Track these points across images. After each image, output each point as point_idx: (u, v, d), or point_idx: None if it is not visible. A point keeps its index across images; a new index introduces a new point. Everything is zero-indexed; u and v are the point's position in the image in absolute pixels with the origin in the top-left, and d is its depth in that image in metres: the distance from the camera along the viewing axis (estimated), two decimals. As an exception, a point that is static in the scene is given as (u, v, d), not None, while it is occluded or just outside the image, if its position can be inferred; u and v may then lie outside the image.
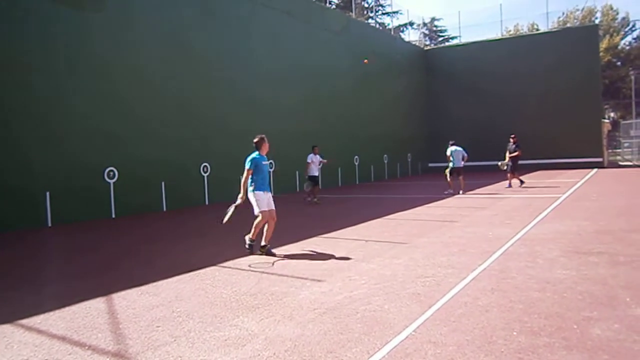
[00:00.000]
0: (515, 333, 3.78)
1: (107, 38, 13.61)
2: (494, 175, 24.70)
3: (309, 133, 21.15)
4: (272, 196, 7.84)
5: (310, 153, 15.43)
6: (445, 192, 16.24)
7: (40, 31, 12.15)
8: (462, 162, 16.40)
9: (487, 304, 4.52)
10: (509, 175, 17.71)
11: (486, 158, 30.47)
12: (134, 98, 14.24)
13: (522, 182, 17.56)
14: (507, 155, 17.68)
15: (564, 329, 3.81)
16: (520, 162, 18.06)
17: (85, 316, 4.69)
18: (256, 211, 7.44)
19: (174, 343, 3.91)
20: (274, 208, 7.62)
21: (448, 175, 16.64)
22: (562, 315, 4.11)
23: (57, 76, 12.46)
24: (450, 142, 16.88)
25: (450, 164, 16.49)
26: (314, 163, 15.26)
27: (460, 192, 16.07)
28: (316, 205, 14.69)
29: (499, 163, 18.22)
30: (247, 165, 7.45)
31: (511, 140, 17.90)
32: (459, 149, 16.51)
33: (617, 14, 50.26)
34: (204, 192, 16.26)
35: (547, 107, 29.34)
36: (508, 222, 9.41)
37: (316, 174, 15.35)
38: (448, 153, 16.55)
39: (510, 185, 17.65)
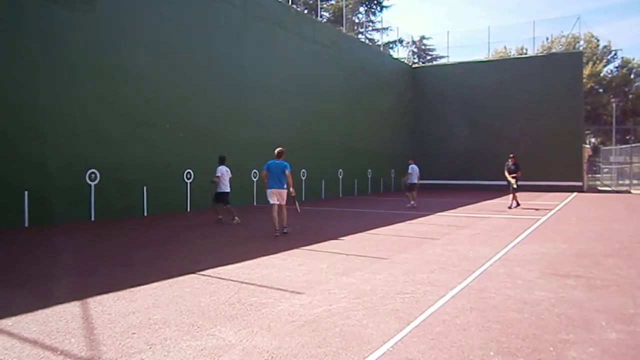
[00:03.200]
0: (492, 353, 3.79)
1: (96, 39, 13.52)
2: (477, 194, 24.94)
3: (295, 144, 21.17)
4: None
5: (221, 165, 12.89)
6: (408, 205, 17.73)
7: (26, 28, 12.02)
8: (417, 180, 18.40)
9: (465, 322, 4.53)
10: (514, 195, 17.64)
11: (470, 177, 30.84)
12: (120, 100, 14.14)
13: (518, 204, 17.60)
14: (507, 175, 17.83)
15: (540, 351, 3.84)
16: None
17: (58, 320, 4.59)
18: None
19: (149, 351, 3.85)
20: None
21: (407, 190, 18.56)
22: (539, 337, 4.14)
23: (40, 74, 12.32)
24: (410, 160, 19.02)
25: (409, 180, 18.35)
26: (224, 177, 12.73)
27: (413, 203, 17.71)
28: (222, 224, 12.52)
29: (512, 182, 17.80)
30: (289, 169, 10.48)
31: (510, 160, 18.10)
32: (416, 167, 18.58)
33: (599, 42, 51.48)
34: (187, 199, 16.13)
35: (530, 129, 29.79)
36: (489, 242, 9.48)
37: (227, 190, 12.75)
38: (410, 170, 18.46)
39: (517, 204, 17.45)
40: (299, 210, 11.38)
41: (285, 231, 10.58)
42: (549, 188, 28.57)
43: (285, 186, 10.55)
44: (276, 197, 10.48)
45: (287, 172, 10.51)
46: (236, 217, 12.55)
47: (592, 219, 14.01)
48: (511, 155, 18.40)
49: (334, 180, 24.47)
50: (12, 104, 11.75)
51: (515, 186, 17.74)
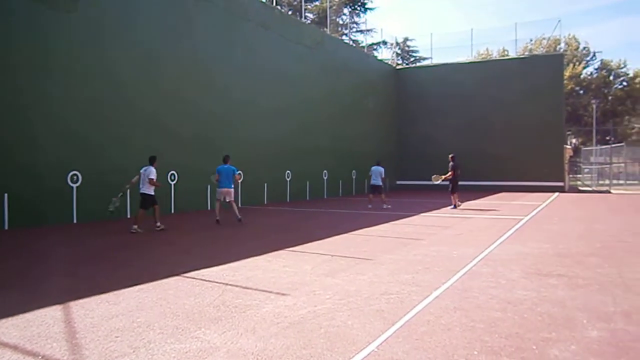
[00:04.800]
0: (476, 352, 3.83)
1: (79, 40, 13.36)
2: (461, 194, 25.10)
3: (279, 145, 21.18)
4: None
5: (147, 166, 11.68)
6: (369, 206, 18.00)
7: (17, 30, 11.84)
8: (380, 180, 18.04)
9: (449, 322, 4.56)
10: (451, 196, 17.95)
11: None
12: (103, 102, 13.97)
13: (454, 206, 17.62)
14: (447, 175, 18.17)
15: (523, 349, 3.88)
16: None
17: (40, 324, 4.52)
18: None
19: (132, 354, 3.81)
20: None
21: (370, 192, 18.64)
22: (522, 336, 4.18)
23: (22, 75, 12.14)
24: (376, 162, 18.70)
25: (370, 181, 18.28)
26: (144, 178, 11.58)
27: (386, 206, 17.69)
28: (138, 233, 11.16)
29: (436, 181, 18.77)
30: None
31: (449, 159, 18.35)
32: (380, 168, 18.16)
33: (579, 44, 52.29)
34: (171, 201, 16.00)
35: (513, 130, 30.13)
36: (472, 242, 9.56)
37: (149, 192, 11.55)
38: (370, 172, 18.31)
39: (454, 207, 17.65)
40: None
41: (240, 219, 12.75)
42: (531, 188, 28.91)
43: (233, 185, 12.96)
44: (224, 195, 12.92)
45: (236, 174, 12.95)
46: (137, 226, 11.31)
47: (573, 219, 14.21)
48: (450, 155, 18.68)
49: (319, 181, 24.48)
50: (-8, 105, 11.56)
51: (435, 182, 18.64)
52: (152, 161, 11.72)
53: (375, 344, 3.99)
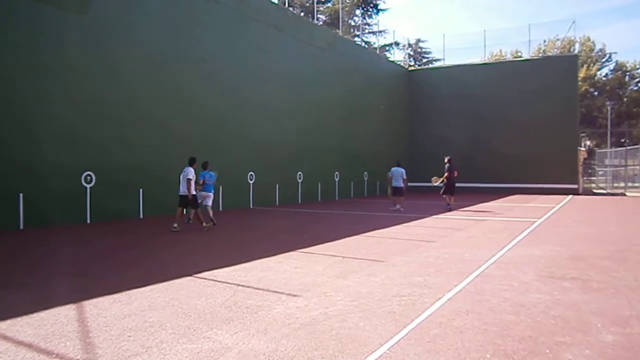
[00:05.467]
0: (488, 356, 3.80)
1: (90, 41, 13.49)
2: (474, 196, 24.99)
3: (291, 146, 21.22)
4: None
5: (188, 167, 11.92)
6: (392, 209, 17.47)
7: (21, 30, 11.99)
8: (402, 183, 17.69)
9: (461, 325, 4.53)
10: (450, 197, 18.13)
11: (467, 180, 30.84)
12: (116, 103, 14.11)
13: (447, 204, 17.93)
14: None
15: (536, 353, 3.84)
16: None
17: (54, 323, 4.57)
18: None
19: (145, 354, 3.83)
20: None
21: (391, 194, 18.06)
22: (535, 339, 4.14)
23: (38, 76, 12.29)
24: (396, 163, 18.45)
25: (392, 184, 17.81)
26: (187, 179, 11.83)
27: (399, 207, 17.35)
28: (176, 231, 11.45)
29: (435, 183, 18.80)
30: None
31: (446, 161, 18.48)
32: (402, 169, 17.85)
33: (594, 45, 51.77)
34: (182, 201, 16.07)
35: (526, 132, 29.90)
36: (485, 245, 9.50)
37: (188, 193, 11.77)
38: (390, 174, 17.94)
39: (448, 205, 17.90)
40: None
41: (204, 226, 11.86)
42: (544, 190, 28.67)
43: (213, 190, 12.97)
44: (204, 198, 12.72)
45: (214, 181, 12.84)
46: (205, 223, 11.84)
47: (587, 222, 14.06)
48: (447, 158, 18.71)
49: (331, 183, 24.48)
50: (5, 107, 11.69)
51: (435, 184, 18.57)
52: (191, 162, 11.91)
53: (387, 346, 3.97)
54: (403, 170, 17.92)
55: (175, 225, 11.47)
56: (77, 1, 13.18)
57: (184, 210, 12.22)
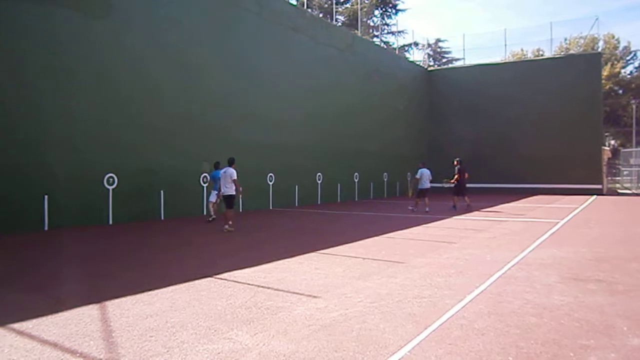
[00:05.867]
0: (511, 358, 3.75)
1: (111, 44, 13.70)
2: (494, 197, 24.73)
3: (310, 147, 21.24)
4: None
5: (227, 166, 12.14)
6: (409, 208, 17.68)
7: (44, 34, 12.22)
8: (429, 184, 17.72)
9: (483, 327, 4.48)
10: (462, 198, 18.52)
11: (487, 180, 30.55)
12: (139, 105, 14.32)
13: (454, 206, 18.34)
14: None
15: (560, 356, 3.78)
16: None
17: (77, 323, 4.65)
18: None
19: (166, 354, 3.87)
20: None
21: (415, 195, 18.16)
22: (558, 342, 4.08)
23: (60, 80, 12.51)
24: (420, 164, 18.36)
25: (419, 185, 17.74)
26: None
27: (427, 209, 17.23)
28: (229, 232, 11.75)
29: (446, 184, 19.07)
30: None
31: (455, 163, 18.96)
32: (427, 171, 17.84)
33: (619, 42, 50.77)
34: (203, 203, 16.23)
35: (548, 132, 29.49)
36: (506, 246, 9.38)
37: (232, 192, 11.96)
38: (418, 175, 17.80)
39: (454, 206, 18.25)
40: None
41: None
42: (568, 191, 28.25)
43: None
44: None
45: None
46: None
47: (612, 223, 13.79)
48: (456, 160, 19.22)
49: (350, 183, 24.44)
50: (30, 111, 11.93)
51: (446, 186, 18.80)
52: (231, 163, 12.15)
53: (408, 348, 3.95)
54: (429, 172, 17.98)
55: (228, 225, 11.83)
56: (100, 6, 13.38)
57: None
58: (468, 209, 17.45)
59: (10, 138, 11.51)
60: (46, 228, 12.04)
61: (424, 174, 17.73)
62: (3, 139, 11.38)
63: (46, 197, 12.03)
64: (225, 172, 12.01)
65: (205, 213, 16.13)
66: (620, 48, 50.79)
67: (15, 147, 11.58)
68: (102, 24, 13.42)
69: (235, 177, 11.85)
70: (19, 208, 11.58)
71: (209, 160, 16.17)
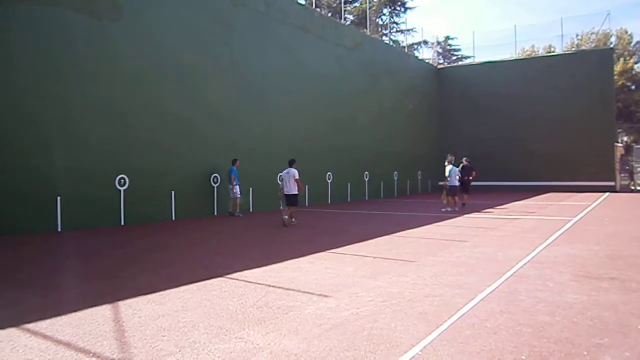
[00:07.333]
0: (524, 357, 3.72)
1: (124, 47, 13.78)
2: (505, 195, 24.57)
3: (320, 146, 21.22)
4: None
5: (288, 168, 13.12)
6: (443, 210, 17.11)
7: (56, 37, 12.33)
8: (458, 181, 17.32)
9: (495, 326, 4.46)
10: (465, 197, 18.44)
11: (498, 178, 30.37)
12: (149, 107, 14.37)
13: (463, 204, 18.27)
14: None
15: (574, 355, 3.75)
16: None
17: (91, 323, 4.69)
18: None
19: (179, 354, 3.90)
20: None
21: (446, 194, 17.74)
22: (572, 341, 4.05)
23: (71, 83, 12.60)
24: (448, 161, 17.64)
25: (449, 183, 17.29)
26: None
27: (464, 204, 17.47)
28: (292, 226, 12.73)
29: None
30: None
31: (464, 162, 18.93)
32: (456, 168, 17.37)
33: (632, 38, 50.18)
34: (214, 203, 16.30)
35: (560, 129, 29.22)
36: (518, 244, 9.32)
37: (295, 192, 12.94)
38: (447, 174, 17.23)
39: (456, 204, 17.75)
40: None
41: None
42: (580, 188, 27.97)
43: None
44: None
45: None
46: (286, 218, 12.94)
47: (625, 220, 13.65)
48: (464, 158, 19.26)
49: (360, 183, 24.40)
50: (44, 113, 12.05)
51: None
52: (291, 163, 13.02)
53: (420, 347, 3.94)
54: (457, 169, 17.59)
55: (293, 219, 12.91)
56: (111, 10, 13.47)
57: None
58: (463, 209, 17.36)
59: (23, 140, 11.61)
60: (59, 229, 12.15)
61: (453, 172, 17.20)
62: (16, 141, 11.49)
63: (59, 198, 12.14)
64: (288, 172, 12.86)
65: (216, 213, 16.19)
66: (634, 43, 50.19)
67: (28, 149, 11.69)
68: (115, 27, 13.48)
69: (298, 177, 12.65)
70: (34, 210, 11.71)
71: (218, 161, 16.26)
